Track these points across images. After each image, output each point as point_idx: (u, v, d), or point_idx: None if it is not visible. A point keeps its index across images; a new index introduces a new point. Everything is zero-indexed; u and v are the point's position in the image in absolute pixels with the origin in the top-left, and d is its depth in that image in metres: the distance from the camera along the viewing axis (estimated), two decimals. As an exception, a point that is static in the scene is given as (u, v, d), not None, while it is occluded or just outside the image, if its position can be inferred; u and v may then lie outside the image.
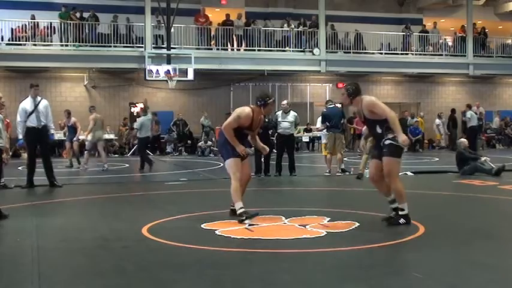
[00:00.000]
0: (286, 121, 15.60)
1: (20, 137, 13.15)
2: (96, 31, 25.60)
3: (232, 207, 8.76)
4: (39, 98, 13.21)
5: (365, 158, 14.46)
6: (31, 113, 12.87)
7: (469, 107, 24.65)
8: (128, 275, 5.87)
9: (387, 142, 7.91)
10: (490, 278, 5.63)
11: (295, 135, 17.14)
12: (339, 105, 16.73)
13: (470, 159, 15.56)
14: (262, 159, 15.24)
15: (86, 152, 18.50)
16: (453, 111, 28.79)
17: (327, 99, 19.95)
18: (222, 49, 27.08)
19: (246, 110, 8.66)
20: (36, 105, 12.98)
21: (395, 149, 7.89)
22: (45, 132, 13.11)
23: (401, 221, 8.00)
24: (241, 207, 8.43)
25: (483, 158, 15.49)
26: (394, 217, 8.18)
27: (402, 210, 8.04)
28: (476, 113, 22.75)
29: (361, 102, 8.12)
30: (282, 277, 5.67)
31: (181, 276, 5.77)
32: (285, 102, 16.20)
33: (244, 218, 8.32)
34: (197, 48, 26.47)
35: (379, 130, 8.03)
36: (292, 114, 15.68)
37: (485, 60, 30.49)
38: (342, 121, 15.93)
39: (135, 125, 18.72)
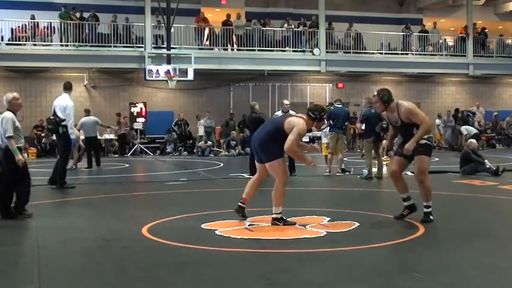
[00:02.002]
0: None
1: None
2: (96, 31, 25.58)
3: (240, 204, 8.66)
4: None
5: (370, 159, 14.52)
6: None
7: (461, 123, 24.41)
8: (127, 275, 5.87)
9: (423, 142, 8.17)
10: (490, 278, 5.64)
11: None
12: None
13: (474, 161, 15.53)
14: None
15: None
16: (457, 111, 28.68)
17: (331, 99, 19.91)
18: (222, 49, 27.06)
19: (302, 125, 8.14)
20: None
21: (430, 148, 8.31)
22: None
23: (432, 217, 8.25)
24: (280, 212, 8.24)
25: (487, 165, 15.42)
26: (405, 214, 8.45)
27: (429, 207, 8.30)
28: (467, 121, 22.62)
29: (397, 108, 8.30)
30: (282, 277, 5.68)
31: (181, 276, 5.78)
32: (286, 102, 16.16)
33: (281, 224, 8.17)
34: (199, 49, 26.44)
35: (415, 132, 8.22)
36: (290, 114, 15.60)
37: (485, 60, 30.48)
38: (346, 122, 15.89)
39: (77, 125, 18.81)
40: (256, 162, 8.65)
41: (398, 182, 8.50)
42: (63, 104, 12.99)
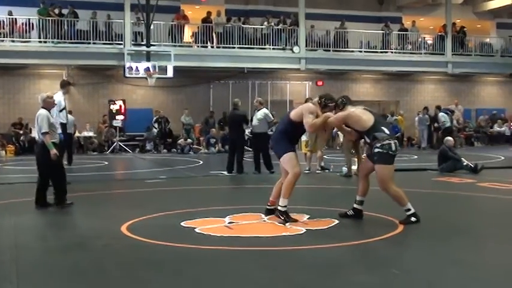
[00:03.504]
0: (255, 118, 15.61)
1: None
2: (75, 28, 25.39)
3: (268, 207, 8.69)
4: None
5: (349, 157, 14.56)
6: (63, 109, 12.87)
7: (439, 108, 24.44)
8: (107, 274, 5.85)
9: (376, 150, 8.04)
10: (468, 275, 5.69)
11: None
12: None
13: (452, 159, 15.65)
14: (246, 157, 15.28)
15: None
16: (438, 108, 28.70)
17: (307, 96, 19.88)
18: (201, 46, 26.98)
19: (309, 106, 8.48)
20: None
21: (385, 156, 8.03)
22: None
23: (413, 219, 8.08)
24: (286, 206, 8.25)
25: (465, 162, 15.54)
26: (349, 214, 8.46)
27: (408, 210, 8.13)
28: (447, 113, 22.64)
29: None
30: (261, 274, 5.69)
31: (160, 274, 5.77)
32: (256, 99, 16.24)
33: (283, 218, 8.19)
34: (179, 46, 26.36)
35: (367, 139, 8.23)
36: (261, 112, 15.55)
37: (463, 58, 30.68)
38: None
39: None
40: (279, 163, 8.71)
41: (360, 182, 8.51)
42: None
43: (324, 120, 8.28)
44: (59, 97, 12.85)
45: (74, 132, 22.60)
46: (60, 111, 12.73)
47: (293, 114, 8.48)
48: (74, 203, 9.96)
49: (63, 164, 10.12)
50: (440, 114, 21.63)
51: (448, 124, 20.72)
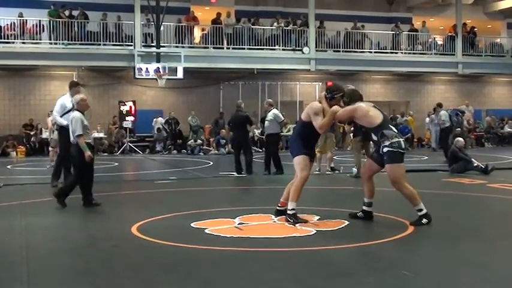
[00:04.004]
0: (266, 120, 15.76)
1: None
2: (85, 29, 25.49)
3: (279, 208, 8.67)
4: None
5: (359, 158, 14.51)
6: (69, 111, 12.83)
7: (440, 106, 24.21)
8: (117, 274, 5.85)
9: (385, 150, 7.98)
10: (479, 276, 5.66)
11: (284, 134, 17.09)
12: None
13: (463, 160, 15.58)
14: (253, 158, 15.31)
15: (50, 149, 18.63)
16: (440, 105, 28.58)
17: (317, 97, 19.77)
18: (212, 47, 27.01)
19: (314, 105, 8.38)
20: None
21: (394, 155, 7.96)
22: None
23: (424, 221, 8.00)
24: (294, 209, 8.24)
25: (475, 163, 15.45)
26: (359, 216, 8.39)
27: (420, 210, 8.06)
28: (457, 114, 22.41)
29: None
30: (272, 276, 5.68)
31: (170, 275, 5.77)
32: (266, 101, 16.41)
33: (292, 221, 8.16)
34: (189, 47, 26.40)
35: (374, 137, 8.15)
36: (271, 113, 15.65)
37: (474, 59, 30.60)
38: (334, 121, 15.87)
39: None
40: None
41: (365, 184, 8.45)
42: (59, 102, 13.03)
43: (331, 116, 8.24)
44: (63, 99, 12.87)
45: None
46: (66, 113, 12.69)
47: (304, 116, 8.49)
48: (101, 203, 10.13)
49: (93, 165, 10.33)
50: (442, 112, 21.36)
51: (447, 124, 20.52)
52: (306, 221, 8.19)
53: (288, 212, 8.27)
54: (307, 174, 8.39)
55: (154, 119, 26.34)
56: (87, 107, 10.53)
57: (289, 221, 8.17)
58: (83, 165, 9.94)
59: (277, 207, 8.71)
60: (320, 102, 8.35)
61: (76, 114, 10.08)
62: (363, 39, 29.10)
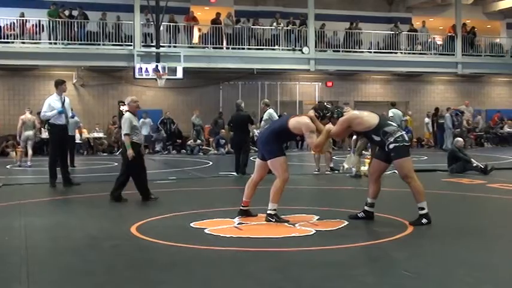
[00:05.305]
0: (262, 120, 15.90)
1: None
2: (85, 29, 25.48)
3: (243, 207, 8.65)
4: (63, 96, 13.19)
5: (358, 158, 14.51)
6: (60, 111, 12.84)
7: (393, 104, 24.05)
8: (116, 274, 5.86)
9: (391, 146, 7.98)
10: (480, 276, 5.65)
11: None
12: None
13: (462, 160, 15.58)
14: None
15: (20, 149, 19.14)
16: (437, 109, 28.73)
17: (320, 98, 19.88)
18: (212, 48, 27.00)
19: (307, 123, 8.19)
20: (63, 103, 12.95)
21: (401, 149, 7.99)
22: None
23: (424, 221, 8.00)
24: (275, 210, 8.26)
25: (475, 163, 15.45)
26: (359, 216, 8.40)
27: (422, 209, 8.06)
28: (457, 113, 22.35)
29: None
30: (271, 275, 5.68)
31: (170, 275, 5.77)
32: (262, 102, 16.52)
33: (273, 220, 8.19)
34: (189, 47, 26.39)
35: (377, 138, 8.12)
36: (266, 113, 15.84)
37: (473, 59, 30.60)
38: None
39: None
40: (257, 160, 8.68)
41: (372, 185, 8.43)
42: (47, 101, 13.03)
43: (326, 135, 8.29)
44: (51, 99, 12.87)
45: (80, 134, 22.71)
46: (59, 113, 12.68)
47: (291, 123, 8.30)
48: (158, 197, 10.70)
49: (144, 163, 10.84)
50: (447, 115, 21.38)
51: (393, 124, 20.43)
52: (287, 221, 8.21)
53: (269, 212, 8.26)
54: (288, 176, 8.43)
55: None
56: (138, 108, 10.98)
57: (270, 221, 8.19)
58: (131, 163, 10.43)
59: (241, 207, 8.68)
60: (311, 119, 8.27)
61: (126, 114, 10.67)
62: (358, 38, 29.07)
